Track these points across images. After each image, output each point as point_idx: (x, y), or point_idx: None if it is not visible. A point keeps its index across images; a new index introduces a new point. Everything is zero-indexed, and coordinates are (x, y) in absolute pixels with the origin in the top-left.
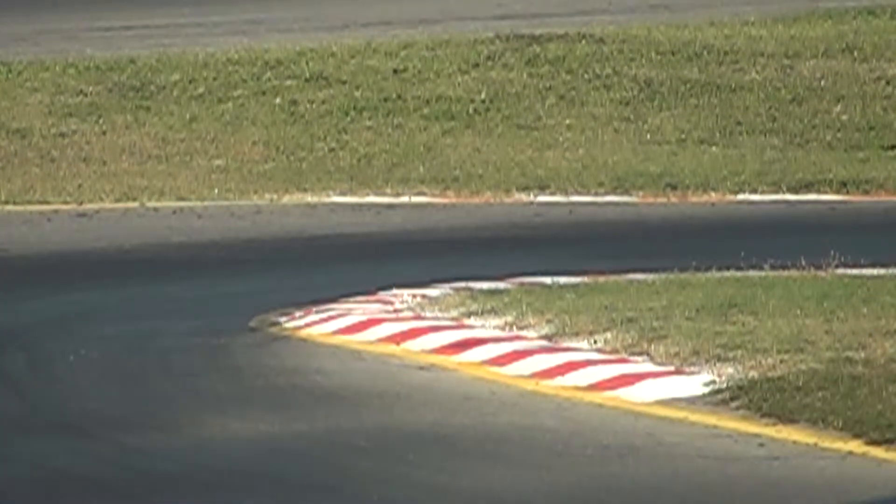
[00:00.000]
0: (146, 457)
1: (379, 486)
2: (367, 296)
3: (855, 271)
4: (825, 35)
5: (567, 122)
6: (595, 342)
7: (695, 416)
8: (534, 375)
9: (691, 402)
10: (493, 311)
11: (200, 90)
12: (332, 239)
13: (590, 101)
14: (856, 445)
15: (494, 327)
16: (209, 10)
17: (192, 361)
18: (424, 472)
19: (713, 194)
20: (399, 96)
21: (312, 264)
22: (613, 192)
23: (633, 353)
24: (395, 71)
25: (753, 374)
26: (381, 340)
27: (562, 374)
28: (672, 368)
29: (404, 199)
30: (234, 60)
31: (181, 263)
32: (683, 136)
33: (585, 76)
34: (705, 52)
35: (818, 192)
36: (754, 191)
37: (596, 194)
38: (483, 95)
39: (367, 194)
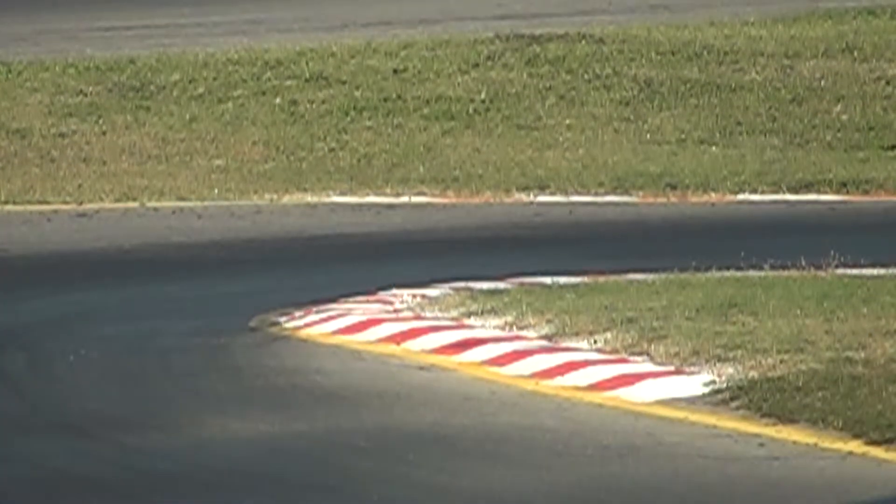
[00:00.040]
0: (146, 457)
1: (379, 486)
2: (367, 296)
3: (855, 271)
4: (825, 35)
5: (567, 122)
6: (595, 342)
7: (695, 416)
8: (534, 375)
9: (691, 402)
10: (493, 311)
11: (200, 90)
12: (332, 239)
13: (590, 101)
14: (856, 445)
15: (494, 327)
16: (209, 10)
17: (192, 361)
18: (424, 472)
19: (713, 194)
20: (399, 96)
21: (312, 264)
22: (613, 192)
23: (633, 353)
24: (395, 71)
25: (753, 374)
26: (381, 340)
27: (562, 374)
28: (672, 368)
29: (404, 199)
30: (234, 60)
31: (181, 263)
32: (683, 137)
33: (585, 76)
34: (705, 52)
35: (818, 192)
36: (754, 191)
37: (596, 194)
38: (483, 95)
39: (367, 194)
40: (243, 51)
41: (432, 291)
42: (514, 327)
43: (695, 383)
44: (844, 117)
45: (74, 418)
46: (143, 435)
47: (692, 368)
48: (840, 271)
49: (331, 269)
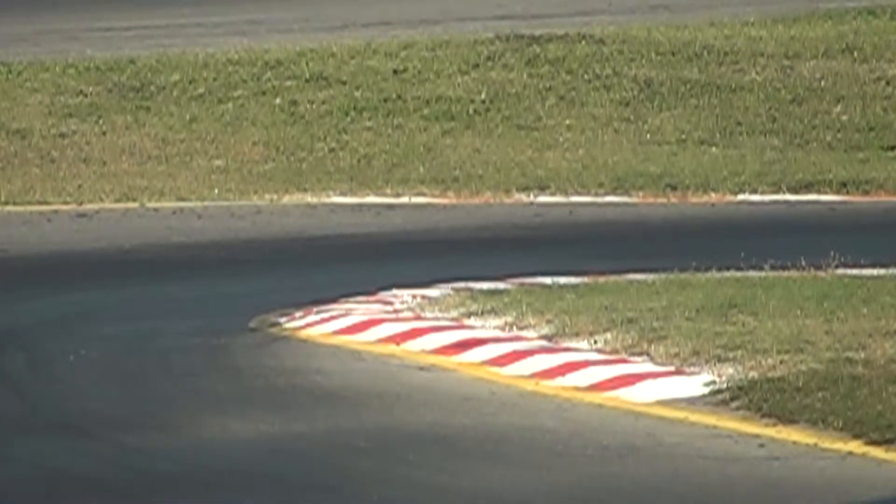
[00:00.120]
0: (146, 457)
1: (379, 486)
2: (367, 296)
3: (855, 271)
4: (825, 35)
5: (567, 122)
6: (595, 342)
7: (695, 417)
8: (534, 376)
9: (691, 402)
10: (493, 312)
11: (200, 90)
12: (333, 239)
13: (590, 101)
14: (856, 446)
15: (494, 327)
16: (209, 11)
17: (192, 361)
18: (424, 472)
19: (713, 195)
20: (399, 97)
21: (312, 265)
22: (613, 192)
23: (633, 354)
24: (395, 71)
25: (753, 374)
26: (381, 341)
27: (562, 374)
28: (672, 369)
29: (404, 199)
30: (234, 61)
31: (181, 263)
32: (683, 137)
33: (585, 77)
34: (705, 53)
35: (818, 192)
36: (754, 191)
37: (596, 195)
38: (483, 96)
39: (367, 195)
40: (243, 51)
41: (432, 292)
42: (514, 327)
43: (695, 384)
44: (844, 118)
45: (74, 418)
46: (143, 435)
47: (692, 369)
48: (840, 271)
49: (331, 270)
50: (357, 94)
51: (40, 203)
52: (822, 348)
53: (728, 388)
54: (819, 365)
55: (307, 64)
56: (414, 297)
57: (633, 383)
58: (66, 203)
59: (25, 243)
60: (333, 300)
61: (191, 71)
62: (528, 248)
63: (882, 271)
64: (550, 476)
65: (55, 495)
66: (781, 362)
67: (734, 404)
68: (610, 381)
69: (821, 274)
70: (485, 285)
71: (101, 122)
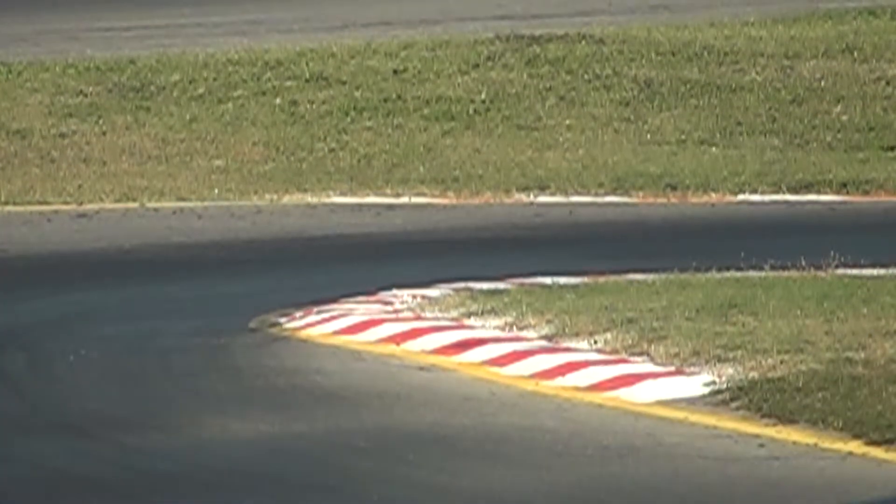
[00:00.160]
0: (146, 457)
1: (379, 486)
2: (367, 296)
3: (855, 272)
4: (825, 35)
5: (567, 122)
6: (595, 343)
7: (695, 417)
8: (534, 376)
9: (691, 402)
10: (493, 312)
11: (200, 91)
12: (333, 239)
13: (590, 101)
14: (856, 446)
15: (494, 328)
16: (209, 11)
17: (192, 361)
18: (424, 472)
19: (713, 195)
20: (399, 97)
21: (312, 265)
22: (613, 192)
23: (633, 354)
24: (395, 71)
25: (753, 374)
26: (381, 341)
27: (562, 374)
28: (672, 369)
29: (404, 199)
30: (235, 61)
31: (181, 263)
32: (683, 137)
33: (585, 77)
34: (705, 53)
35: (818, 192)
36: (754, 191)
37: (596, 195)
38: (483, 96)
39: (367, 195)
40: (243, 51)
41: (432, 292)
42: (514, 328)
43: (695, 384)
44: (844, 118)
45: (74, 418)
46: (143, 435)
47: (692, 369)
48: (840, 271)
49: (331, 270)
50: (357, 94)
51: (40, 203)
52: (822, 348)
53: (728, 389)
54: (819, 365)
55: (307, 64)
56: (414, 297)
57: (633, 383)
58: (66, 203)
59: (25, 243)
60: (333, 300)
61: (191, 71)
62: (528, 248)
63: (882, 271)
64: (550, 476)
65: (55, 495)
66: (781, 362)
67: (734, 404)
68: (610, 381)
69: (821, 274)
70: (485, 285)
71: (101, 122)
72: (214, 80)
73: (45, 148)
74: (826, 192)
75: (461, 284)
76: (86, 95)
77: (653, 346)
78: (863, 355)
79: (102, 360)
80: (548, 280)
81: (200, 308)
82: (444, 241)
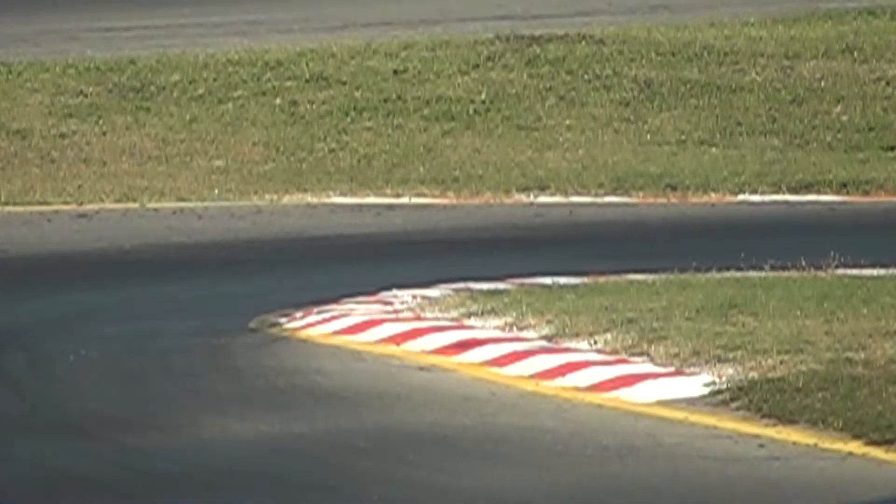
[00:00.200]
0: (146, 457)
1: (379, 486)
2: (367, 296)
3: (855, 272)
4: (825, 36)
5: (567, 122)
6: (595, 343)
7: (695, 417)
8: (534, 376)
9: (691, 402)
10: (493, 312)
11: (200, 91)
12: (333, 239)
13: (590, 101)
14: (856, 446)
15: (494, 328)
16: (209, 11)
17: (192, 362)
18: (424, 472)
19: (713, 195)
20: (399, 97)
21: (312, 265)
22: (613, 192)
23: (633, 354)
24: (395, 71)
25: (753, 374)
26: (381, 341)
27: (562, 374)
28: (672, 369)
29: (404, 199)
30: (235, 61)
31: (181, 264)
32: (683, 137)
33: (585, 77)
34: (705, 53)
35: (818, 192)
36: (754, 191)
37: (596, 195)
38: (483, 96)
39: (368, 195)
40: (243, 51)
41: (432, 292)
42: (514, 328)
43: (695, 384)
44: (844, 118)
45: (74, 418)
46: (143, 435)
47: (692, 369)
48: (840, 272)
49: (331, 270)
50: (357, 94)
51: (40, 203)
52: (822, 348)
53: (728, 389)
54: (819, 365)
55: (307, 64)
56: (414, 297)
57: (633, 384)
58: (66, 203)
59: (25, 243)
60: (334, 300)
61: (191, 71)
62: (528, 248)
63: (882, 271)
64: (550, 476)
65: (55, 495)
66: (781, 363)
67: (734, 405)
68: (610, 381)
69: (821, 274)
70: (485, 285)
71: (101, 122)
72: (214, 80)
73: (45, 148)
74: (826, 192)
75: (461, 285)
76: (86, 95)
77: (653, 347)
78: (863, 355)
79: (102, 360)
80: (548, 280)
81: (200, 308)
82: (444, 241)
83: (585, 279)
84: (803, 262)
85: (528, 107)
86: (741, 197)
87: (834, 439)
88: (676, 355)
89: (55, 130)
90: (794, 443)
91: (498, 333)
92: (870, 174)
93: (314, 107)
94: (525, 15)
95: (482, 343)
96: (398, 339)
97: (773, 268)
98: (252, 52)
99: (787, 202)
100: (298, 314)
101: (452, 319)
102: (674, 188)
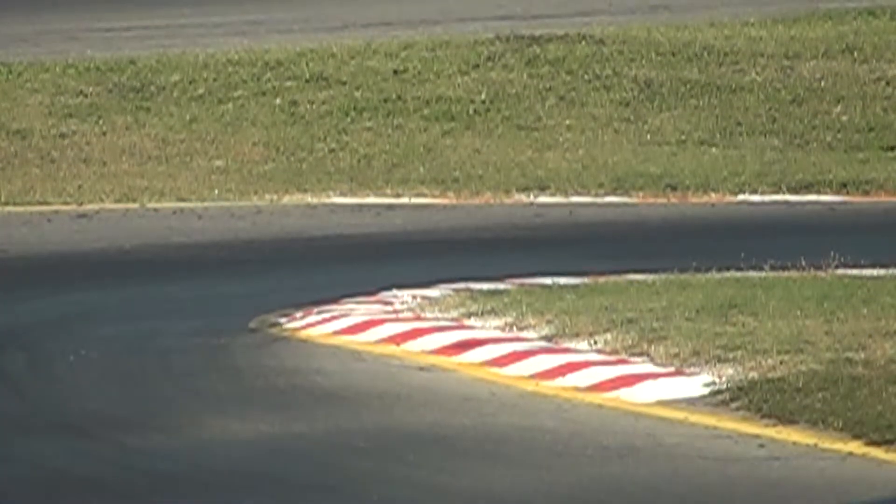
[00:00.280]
0: (146, 457)
1: (379, 486)
2: (367, 296)
3: (855, 272)
4: (825, 36)
5: (567, 122)
6: (595, 343)
7: (695, 417)
8: (534, 376)
9: (691, 402)
10: (493, 312)
11: (200, 91)
12: (333, 240)
13: (590, 101)
14: (856, 446)
15: (494, 328)
16: (209, 11)
17: (192, 362)
18: (424, 473)
19: (713, 195)
20: (399, 97)
21: (312, 265)
22: (613, 192)
23: (633, 354)
24: (395, 72)
25: (753, 374)
26: (381, 341)
27: (562, 374)
28: (672, 369)
29: (404, 199)
30: (235, 61)
31: (181, 264)
32: (683, 137)
33: (585, 77)
34: (705, 53)
35: (818, 192)
36: (754, 191)
37: (596, 195)
38: (483, 96)
39: (368, 195)
40: (243, 51)
41: (432, 292)
42: (514, 328)
43: (695, 384)
44: (844, 118)
45: (74, 418)
46: (143, 435)
47: (692, 369)
48: (840, 272)
49: (331, 270)
50: (357, 94)
51: (40, 203)
52: (822, 349)
53: (728, 389)
54: (819, 365)
55: (307, 64)
56: (414, 297)
57: (633, 384)
58: (66, 203)
59: (25, 243)
60: (334, 300)
61: (191, 71)
62: (528, 248)
63: (882, 271)
64: (550, 476)
65: (55, 495)
66: (781, 363)
67: (734, 405)
68: (610, 381)
69: (821, 274)
70: (485, 286)
71: (101, 122)
72: (214, 80)
73: (45, 148)
74: (826, 192)
75: (461, 285)
76: (86, 95)
77: (653, 347)
78: (863, 355)
79: (102, 360)
80: (548, 280)
81: (200, 308)
82: (444, 241)
83: (585, 279)
84: (803, 262)
85: (528, 107)
86: (741, 197)
87: (834, 439)
88: (676, 355)
89: (55, 130)
90: (794, 443)
91: (498, 333)
92: (870, 174)
93: (314, 107)
94: (525, 15)
95: (482, 343)
96: (398, 339)
97: (773, 268)
98: (252, 52)
99: (787, 202)
100: (298, 314)
101: (452, 319)
102: (674, 188)
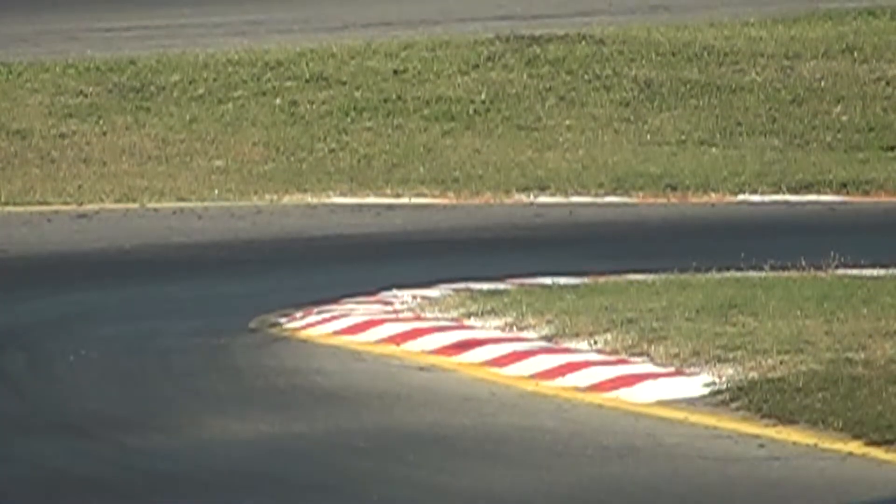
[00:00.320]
0: (146, 457)
1: (379, 486)
2: (367, 296)
3: (855, 272)
4: (825, 36)
5: (567, 122)
6: (595, 343)
7: (695, 417)
8: (534, 376)
9: (691, 402)
10: (493, 312)
11: (200, 91)
12: (333, 240)
13: (590, 101)
14: (856, 446)
15: (494, 328)
16: (209, 11)
17: (192, 362)
18: (424, 473)
19: (713, 195)
20: (399, 97)
21: (312, 265)
22: (613, 192)
23: (633, 354)
24: (395, 72)
25: (753, 374)
26: (381, 341)
27: (562, 374)
28: (672, 369)
29: (404, 199)
30: (235, 61)
31: (181, 264)
32: (683, 137)
33: (585, 77)
34: (705, 53)
35: (818, 192)
36: (754, 191)
37: (596, 195)
38: (483, 96)
39: (368, 195)
40: (243, 52)
41: (432, 292)
42: (514, 328)
43: (695, 384)
44: (844, 118)
45: (74, 418)
46: (143, 435)
47: (692, 369)
48: (840, 272)
49: (331, 270)
50: (357, 94)
51: (40, 203)
52: (822, 349)
53: (728, 389)
54: (819, 365)
55: (307, 64)
56: (414, 297)
57: (633, 384)
58: (66, 203)
59: (25, 243)
60: (334, 300)
61: (191, 71)
62: (528, 248)
63: (882, 271)
64: (550, 476)
65: (55, 495)
66: (781, 363)
67: (734, 405)
68: (610, 381)
69: (821, 274)
70: (485, 286)
71: (101, 122)
72: (214, 80)
73: (45, 148)
74: (826, 192)
75: (461, 285)
76: (86, 95)
77: (653, 347)
78: (863, 356)
79: (102, 360)
80: (548, 280)
81: (200, 308)
82: (444, 241)
83: (585, 279)
84: (803, 262)
85: (528, 107)
86: (741, 197)
87: (834, 439)
88: (676, 355)
89: (55, 130)
90: (794, 443)
91: (498, 333)
92: (870, 174)
93: (314, 107)
94: (525, 15)
95: (482, 343)
96: (398, 339)
97: (773, 268)
98: (252, 52)
99: (787, 202)
100: (298, 314)
101: (452, 319)
102: (674, 188)
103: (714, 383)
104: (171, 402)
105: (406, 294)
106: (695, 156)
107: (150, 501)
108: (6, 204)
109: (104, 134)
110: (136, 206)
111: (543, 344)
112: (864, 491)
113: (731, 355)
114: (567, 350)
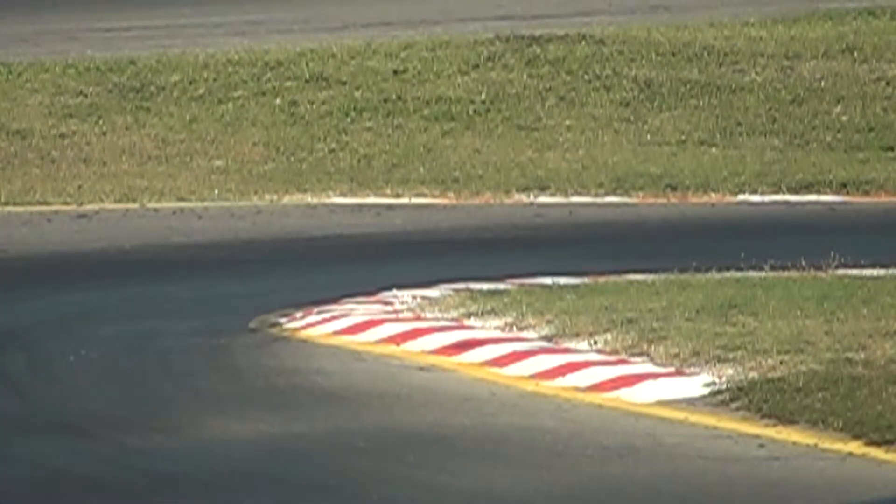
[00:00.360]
0: (146, 457)
1: (379, 486)
2: (367, 296)
3: (855, 272)
4: (825, 36)
5: (567, 122)
6: (595, 343)
7: (695, 417)
8: (534, 376)
9: (691, 403)
10: (493, 312)
11: (200, 91)
12: (333, 240)
13: (590, 101)
14: (856, 446)
15: (494, 328)
16: (209, 11)
17: (192, 362)
18: (424, 473)
19: (713, 195)
20: (399, 97)
21: (312, 265)
22: (613, 192)
23: (633, 354)
24: (395, 72)
25: (753, 375)
26: (381, 341)
27: (562, 374)
28: (672, 369)
29: (404, 199)
30: (235, 61)
31: (181, 264)
32: (683, 137)
33: (585, 77)
34: (705, 53)
35: (818, 192)
36: (754, 191)
37: (596, 195)
38: (483, 96)
39: (368, 195)
40: (243, 52)
41: (432, 292)
42: (514, 328)
43: (695, 384)
44: (844, 118)
45: (74, 418)
46: (143, 435)
47: (692, 369)
48: (840, 272)
49: (331, 270)
50: (357, 94)
51: (40, 203)
52: (822, 349)
53: (728, 389)
54: (819, 365)
55: (307, 64)
56: (414, 297)
57: (633, 384)
58: (66, 203)
59: (25, 243)
60: (334, 300)
61: (191, 71)
62: (528, 248)
63: (882, 271)
64: (550, 476)
65: (55, 495)
66: (781, 363)
67: (734, 405)
68: (610, 381)
69: (821, 274)
70: (485, 286)
71: (101, 122)
72: (214, 80)
73: (45, 148)
74: (826, 192)
75: (461, 285)
76: (86, 95)
77: (653, 347)
78: (863, 356)
79: (102, 360)
80: (548, 280)
81: (200, 308)
82: (444, 241)
83: (585, 279)
84: (803, 262)
85: (528, 107)
86: (741, 197)
87: (834, 439)
88: (676, 355)
89: (55, 130)
90: (794, 443)
91: (498, 333)
92: (870, 174)
93: (314, 107)
94: (525, 15)
95: (482, 343)
96: (398, 339)
97: (773, 268)
98: (252, 52)
99: (787, 202)
100: (298, 314)
101: (452, 319)
102: (674, 188)
103: (714, 383)
104: (171, 402)
105: (406, 294)
106: (695, 156)
107: (150, 501)
108: (6, 204)
109: (104, 134)
110: (136, 206)
111: (543, 344)
112: (864, 491)
113: (731, 355)
114: (567, 350)
